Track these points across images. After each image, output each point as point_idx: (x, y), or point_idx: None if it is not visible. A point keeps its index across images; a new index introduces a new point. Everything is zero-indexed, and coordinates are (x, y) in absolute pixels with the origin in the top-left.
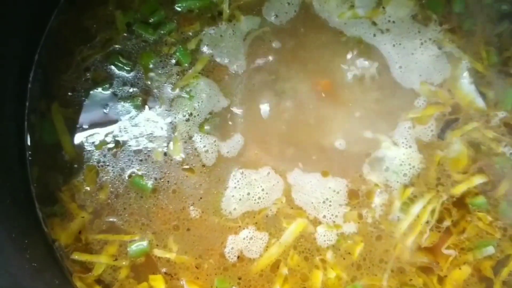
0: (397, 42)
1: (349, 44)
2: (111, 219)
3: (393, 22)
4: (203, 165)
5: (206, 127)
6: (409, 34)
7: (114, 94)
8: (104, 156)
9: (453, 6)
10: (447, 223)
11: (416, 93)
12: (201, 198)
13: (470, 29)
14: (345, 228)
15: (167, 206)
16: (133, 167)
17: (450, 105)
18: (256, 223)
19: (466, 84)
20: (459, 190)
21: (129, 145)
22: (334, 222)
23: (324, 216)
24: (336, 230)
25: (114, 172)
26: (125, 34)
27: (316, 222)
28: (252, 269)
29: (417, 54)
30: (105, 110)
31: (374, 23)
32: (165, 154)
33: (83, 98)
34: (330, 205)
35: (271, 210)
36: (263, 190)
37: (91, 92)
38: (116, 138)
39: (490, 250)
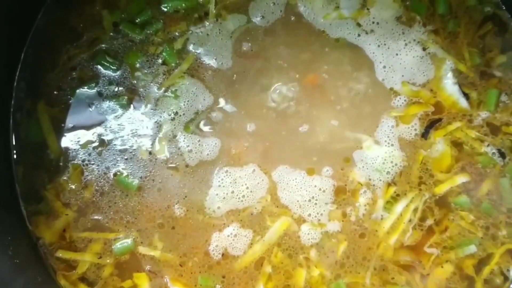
0: (381, 42)
1: (334, 45)
2: (96, 217)
3: (377, 23)
4: (187, 165)
5: (191, 127)
6: (393, 35)
7: (100, 93)
8: (89, 154)
9: (437, 7)
10: (429, 221)
11: (398, 92)
12: (185, 197)
13: (454, 31)
14: (329, 226)
15: (152, 204)
16: (118, 165)
17: (433, 105)
18: (240, 220)
19: (449, 84)
20: (441, 189)
21: (115, 144)
22: (319, 220)
23: (309, 215)
24: (320, 229)
25: (99, 171)
26: (111, 34)
27: (300, 221)
28: (236, 267)
29: (401, 55)
30: (90, 109)
31: (359, 24)
32: (150, 153)
33: (69, 97)
34: (315, 204)
35: (255, 208)
36: (247, 188)
37: (77, 91)
38: (101, 137)
39: (472, 248)
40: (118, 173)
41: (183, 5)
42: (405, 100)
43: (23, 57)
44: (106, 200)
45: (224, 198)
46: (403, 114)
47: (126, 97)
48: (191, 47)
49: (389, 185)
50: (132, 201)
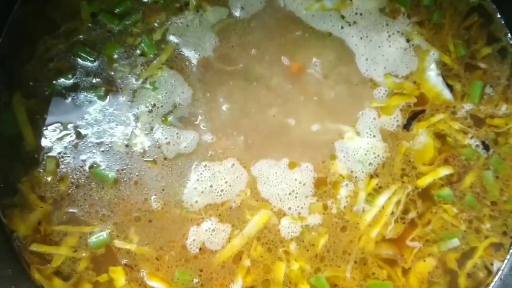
0: (364, 34)
1: (316, 37)
2: (71, 210)
3: (361, 14)
4: (165, 158)
5: (170, 119)
6: (377, 26)
7: (77, 84)
8: (65, 147)
9: None
10: (412, 214)
11: (380, 84)
12: (163, 190)
13: (439, 22)
14: (310, 219)
15: (129, 197)
16: (94, 158)
17: (416, 96)
18: (219, 215)
19: (433, 76)
20: (424, 181)
21: (91, 136)
22: (299, 213)
23: (290, 208)
24: (300, 222)
25: (75, 163)
26: (90, 24)
27: (280, 214)
28: (214, 261)
29: (384, 47)
30: (67, 101)
31: (342, 16)
32: (126, 145)
33: (46, 89)
34: (296, 197)
35: (234, 202)
36: (226, 182)
37: (54, 82)
38: (78, 129)
39: (455, 242)
40: (95, 165)
41: None
42: (386, 91)
43: None
44: (82, 193)
45: (202, 192)
46: (384, 105)
47: (103, 89)
48: (170, 38)
49: (371, 177)
50: (108, 194)
